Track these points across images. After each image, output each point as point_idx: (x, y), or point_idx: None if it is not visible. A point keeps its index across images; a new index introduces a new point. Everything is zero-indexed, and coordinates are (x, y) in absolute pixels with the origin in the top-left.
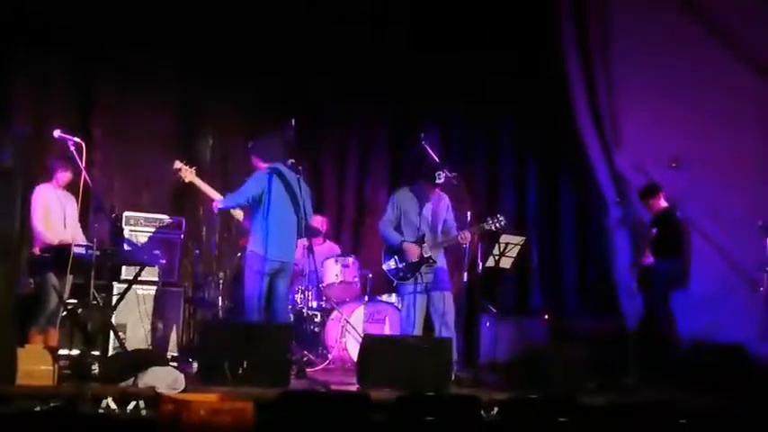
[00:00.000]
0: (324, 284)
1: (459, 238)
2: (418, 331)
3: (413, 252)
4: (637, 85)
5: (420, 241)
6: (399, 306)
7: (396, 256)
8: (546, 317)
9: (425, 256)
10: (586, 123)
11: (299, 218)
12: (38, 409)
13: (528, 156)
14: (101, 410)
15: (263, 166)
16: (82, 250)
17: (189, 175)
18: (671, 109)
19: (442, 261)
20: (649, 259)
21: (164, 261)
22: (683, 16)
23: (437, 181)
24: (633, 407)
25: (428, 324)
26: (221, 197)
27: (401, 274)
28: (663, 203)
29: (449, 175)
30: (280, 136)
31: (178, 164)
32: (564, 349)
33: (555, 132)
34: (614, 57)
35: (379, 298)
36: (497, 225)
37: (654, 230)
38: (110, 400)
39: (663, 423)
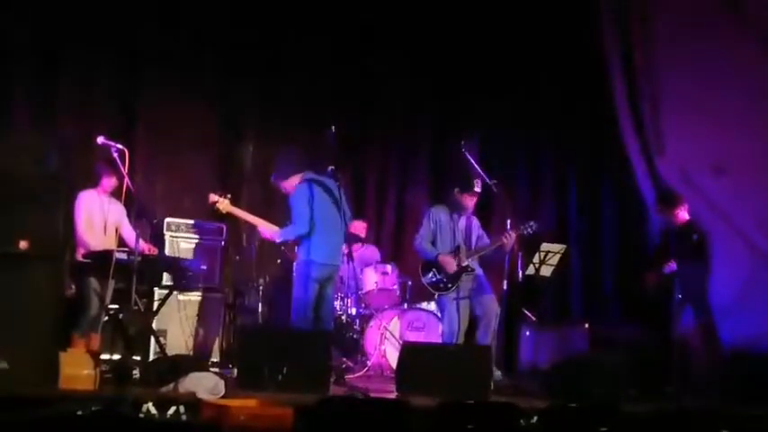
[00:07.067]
0: (363, 291)
1: (503, 238)
2: (460, 340)
3: (450, 264)
4: (680, 90)
5: (456, 252)
6: (438, 314)
7: (434, 269)
8: (586, 325)
9: (463, 265)
10: (628, 129)
11: (342, 222)
12: (79, 412)
13: (568, 163)
14: (141, 415)
15: (295, 180)
16: (123, 256)
17: (225, 206)
18: (714, 115)
19: (479, 269)
20: (673, 266)
21: (204, 267)
22: (728, 21)
23: (475, 189)
24: (674, 415)
25: (470, 330)
26: (262, 221)
27: (442, 285)
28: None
29: (489, 181)
30: (295, 147)
31: (213, 197)
32: (604, 357)
33: (596, 138)
34: (657, 62)
35: (418, 305)
36: (529, 230)
37: (695, 236)
38: (150, 404)
39: None
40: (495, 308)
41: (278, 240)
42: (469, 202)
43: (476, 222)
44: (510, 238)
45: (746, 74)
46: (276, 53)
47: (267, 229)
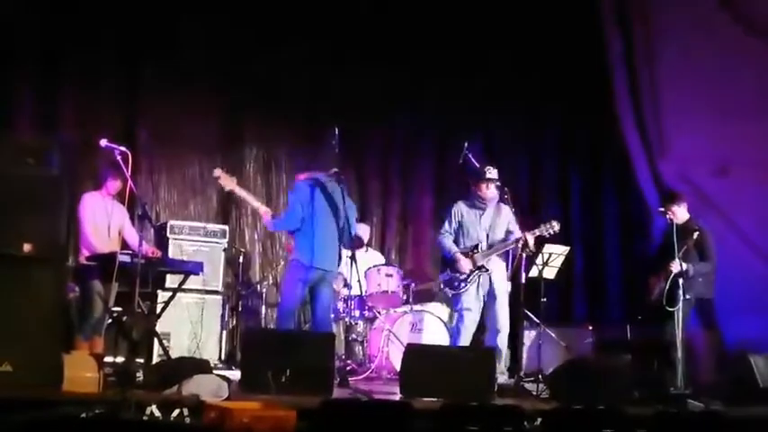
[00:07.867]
0: (367, 294)
1: (521, 241)
2: (467, 342)
3: (464, 263)
4: (682, 92)
5: (472, 251)
6: (445, 316)
7: (449, 267)
8: (590, 327)
9: (478, 265)
10: (631, 131)
11: (341, 228)
12: (83, 415)
13: (571, 165)
14: (145, 417)
15: (301, 176)
16: (127, 258)
17: (229, 183)
18: (717, 116)
19: (501, 268)
20: (676, 267)
21: (207, 269)
22: (728, 19)
23: (487, 175)
24: (679, 417)
25: (476, 332)
26: (263, 205)
27: (455, 284)
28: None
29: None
30: (324, 146)
31: (218, 171)
32: (608, 359)
33: (599, 141)
34: (659, 64)
35: (421, 307)
36: (551, 231)
37: (695, 234)
38: (154, 407)
39: None
40: (504, 321)
41: (269, 229)
42: (485, 189)
43: (506, 216)
44: (528, 241)
45: (748, 73)
46: (276, 53)
47: (267, 215)
